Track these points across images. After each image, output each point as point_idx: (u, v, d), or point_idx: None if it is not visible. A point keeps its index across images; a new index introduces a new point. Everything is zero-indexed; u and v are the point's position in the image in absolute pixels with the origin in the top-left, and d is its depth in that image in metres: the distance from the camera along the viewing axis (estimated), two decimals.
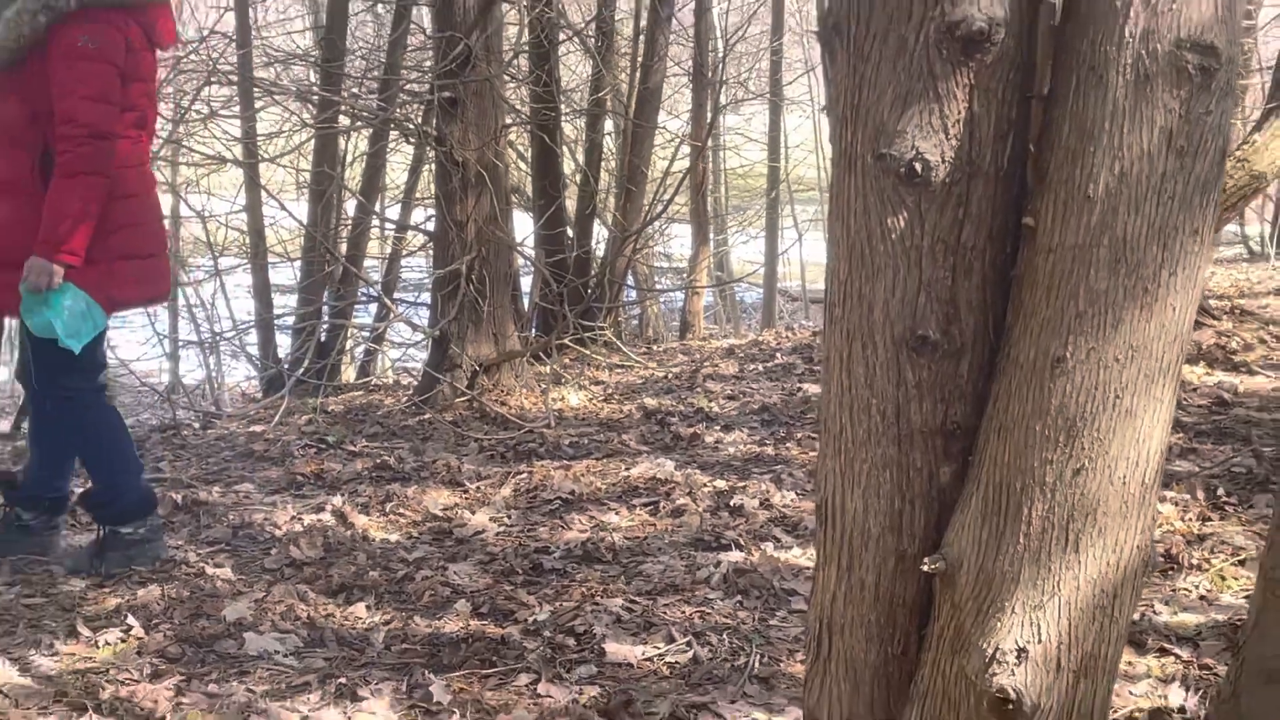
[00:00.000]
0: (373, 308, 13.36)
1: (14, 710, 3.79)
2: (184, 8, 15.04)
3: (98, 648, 4.25)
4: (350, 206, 12.03)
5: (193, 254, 15.33)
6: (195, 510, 5.78)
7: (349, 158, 12.58)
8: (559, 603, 4.58)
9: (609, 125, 14.09)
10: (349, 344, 11.95)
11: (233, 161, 11.15)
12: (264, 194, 10.81)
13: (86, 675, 4.02)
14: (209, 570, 4.96)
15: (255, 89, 10.59)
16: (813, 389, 8.20)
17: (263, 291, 11.14)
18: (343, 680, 3.96)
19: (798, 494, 5.82)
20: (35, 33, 4.55)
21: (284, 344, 11.55)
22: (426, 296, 11.15)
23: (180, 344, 15.17)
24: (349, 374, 12.24)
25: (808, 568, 4.78)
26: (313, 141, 11.00)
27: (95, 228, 4.64)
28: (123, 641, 4.29)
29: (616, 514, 5.68)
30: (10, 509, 5.15)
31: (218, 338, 12.75)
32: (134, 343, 14.23)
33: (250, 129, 10.47)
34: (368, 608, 4.62)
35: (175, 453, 7.02)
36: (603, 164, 13.01)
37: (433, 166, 8.70)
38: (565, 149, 12.67)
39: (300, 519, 5.67)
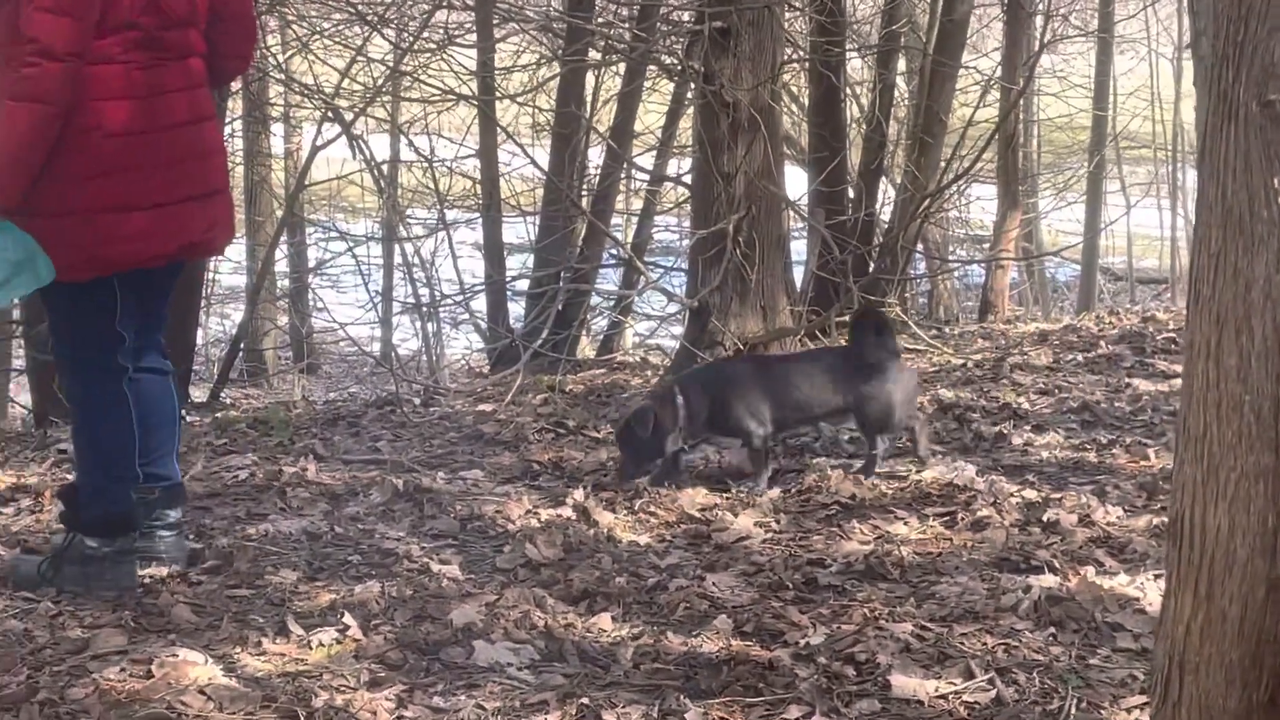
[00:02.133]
0: (618, 274, 13.54)
1: (218, 715, 3.95)
2: None
3: (310, 648, 4.40)
4: (598, 154, 12.18)
5: (413, 204, 15.67)
6: (418, 498, 5.93)
7: (598, 97, 12.73)
8: (836, 625, 4.57)
9: (902, 64, 14.00)
10: (589, 314, 12.10)
11: (465, 98, 11.39)
12: (500, 136, 11.00)
13: (298, 679, 4.17)
14: (434, 567, 5.09)
15: (494, 15, 10.79)
16: (1145, 385, 8.03)
17: (494, 250, 11.36)
18: (585, 701, 4.02)
19: (1126, 510, 5.71)
20: None
21: (515, 312, 11.75)
22: (682, 262, 11.26)
23: (397, 309, 15.56)
24: (587, 349, 12.41)
25: (1137, 599, 4.68)
26: (557, 78, 11.18)
27: (59, 171, 4.61)
28: (338, 643, 4.43)
29: (905, 524, 5.65)
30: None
31: (440, 303, 13.02)
32: (344, 305, 14.65)
33: (487, 61, 10.66)
34: (613, 619, 4.68)
35: (394, 431, 7.22)
36: (893, 110, 12.93)
37: (696, 109, 8.74)
38: (849, 92, 12.63)
39: (537, 513, 5.78)
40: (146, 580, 5.00)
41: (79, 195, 4.68)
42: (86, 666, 4.24)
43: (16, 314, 10.15)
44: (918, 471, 6.28)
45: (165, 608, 4.73)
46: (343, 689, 4.10)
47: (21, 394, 13.01)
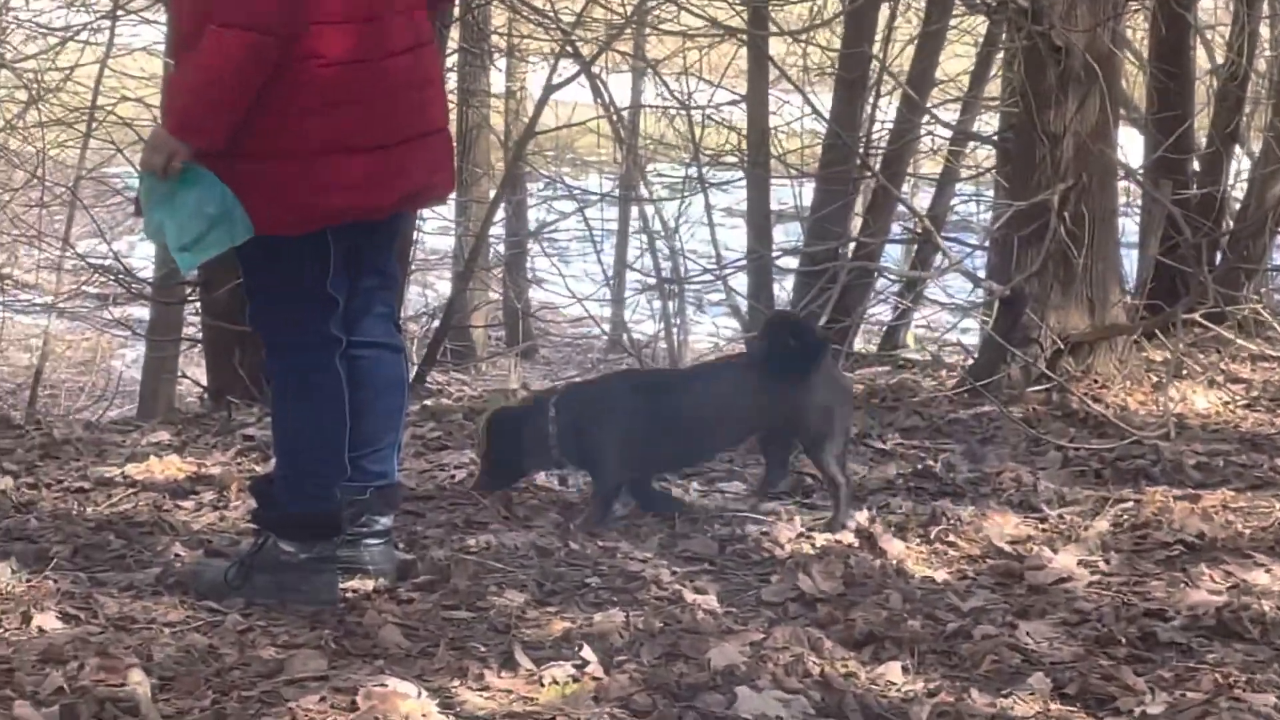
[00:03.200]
0: (899, 252, 13.44)
1: None
2: None
3: (541, 685, 4.41)
4: (890, 105, 12.10)
5: (658, 158, 15.66)
6: (668, 514, 5.98)
7: (893, 37, 12.61)
8: (1180, 692, 4.50)
9: (1266, 6, 13.67)
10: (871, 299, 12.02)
11: (732, 32, 11.38)
12: (772, 77, 10.98)
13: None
14: (688, 596, 5.10)
15: None
16: None
17: (758, 217, 11.35)
18: None
19: None
20: None
21: (780, 293, 11.73)
22: (983, 240, 11.14)
23: (634, 284, 15.58)
24: (867, 343, 12.35)
25: None
26: (843, 14, 11.13)
27: (269, 107, 4.67)
28: (574, 681, 4.43)
29: (1267, 572, 5.55)
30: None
31: (689, 279, 13.02)
32: (570, 278, 14.65)
33: None
34: (904, 670, 4.64)
35: None
36: (1253, 61, 12.61)
37: (1020, 53, 8.64)
38: (1199, 37, 12.38)
39: (811, 538, 5.78)
40: (349, 595, 5.11)
41: (292, 135, 4.75)
42: (281, 693, 4.32)
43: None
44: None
45: (372, 628, 4.79)
46: None
47: (191, 368, 13.39)
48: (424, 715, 4.19)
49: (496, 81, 18.43)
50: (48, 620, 4.84)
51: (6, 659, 4.53)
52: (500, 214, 17.27)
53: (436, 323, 11.96)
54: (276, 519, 5.09)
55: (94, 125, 15.07)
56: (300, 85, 4.73)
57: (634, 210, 15.01)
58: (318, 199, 4.79)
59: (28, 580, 5.27)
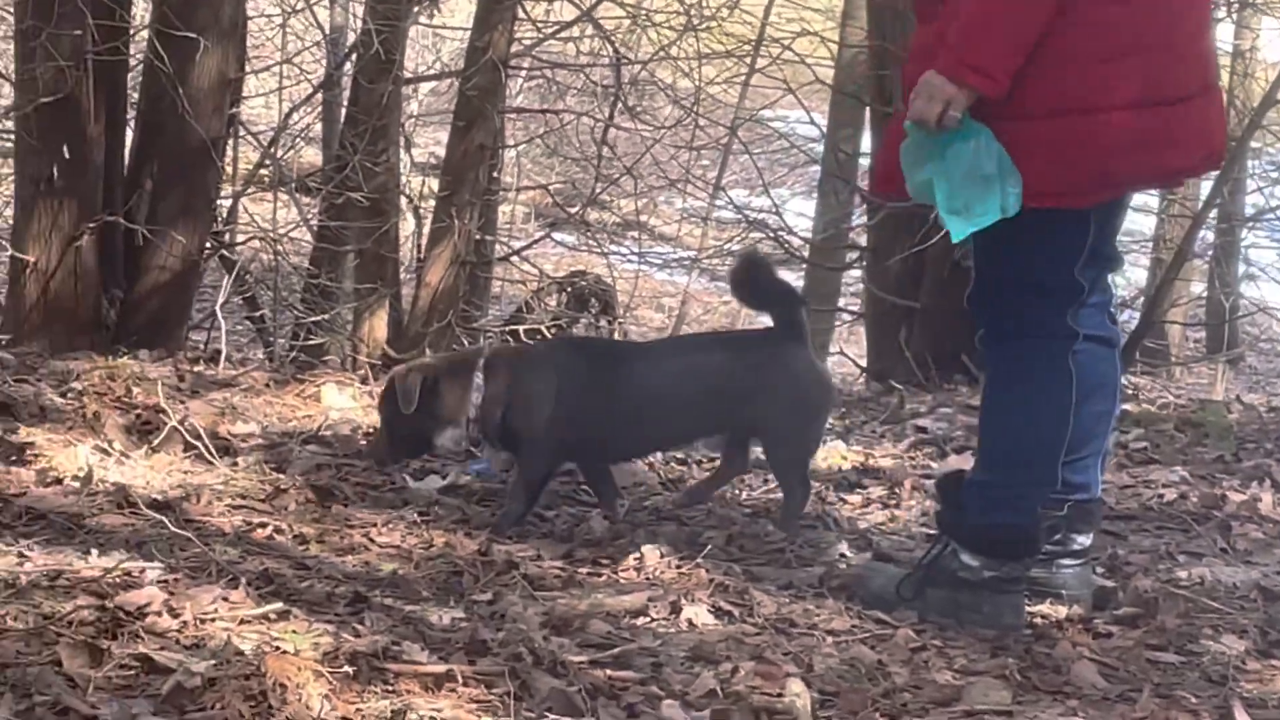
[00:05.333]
0: None
1: None
2: None
3: None
4: None
5: None
6: None
7: None
8: None
9: None
10: None
11: None
12: None
13: None
14: None
15: None
16: None
17: None
18: None
19: None
20: None
21: None
22: None
23: None
24: None
25: None
26: None
27: (1054, 50, 4.44)
28: None
29: None
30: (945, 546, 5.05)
31: None
32: None
33: None
34: None
35: None
36: None
37: None
38: None
39: None
40: (1037, 621, 4.95)
41: (1079, 87, 4.52)
42: None
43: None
44: None
45: (1063, 662, 4.63)
46: None
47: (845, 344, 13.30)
48: None
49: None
50: (699, 614, 4.84)
51: (653, 651, 4.54)
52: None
53: (1133, 316, 11.36)
54: (964, 528, 4.90)
55: (761, 62, 14.84)
56: (1087, 25, 4.50)
57: None
58: (1109, 162, 4.55)
59: (677, 566, 5.32)
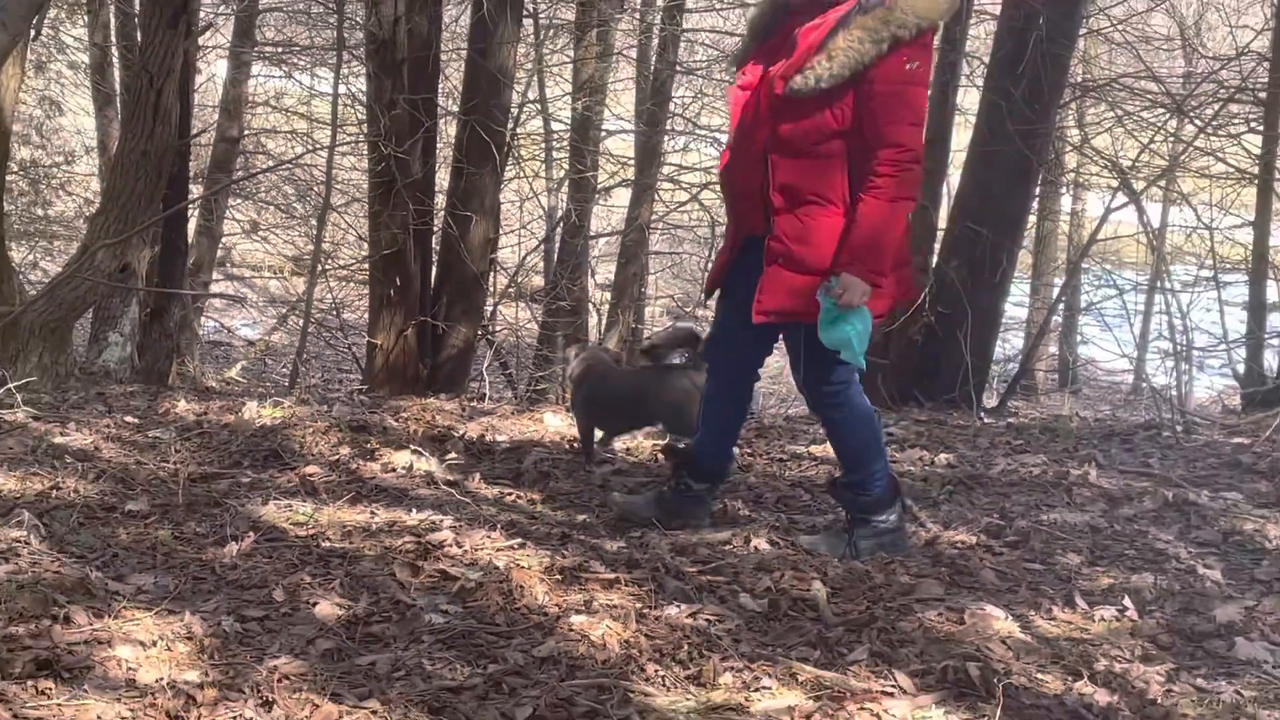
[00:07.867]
0: None
1: (1015, 662, 3.94)
2: None
3: (1092, 621, 4.31)
4: None
5: (1178, 261, 15.03)
6: (1185, 510, 5.66)
7: None
8: None
9: None
10: None
11: (1244, 175, 10.79)
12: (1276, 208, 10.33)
13: (1082, 645, 4.10)
14: (1199, 569, 4.86)
15: None
16: None
17: (1257, 310, 10.67)
18: None
19: None
20: (878, 58, 4.33)
21: (1272, 362, 10.99)
22: None
23: (1157, 350, 14.95)
24: None
25: None
26: None
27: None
28: (1117, 620, 4.32)
29: None
30: (680, 478, 5.14)
31: (1194, 347, 12.39)
32: (1106, 342, 14.13)
33: (1272, 148, 10.00)
34: None
35: (1162, 451, 6.91)
36: None
37: None
38: None
39: None
40: (958, 545, 5.06)
41: (899, 256, 4.68)
42: (912, 606, 4.33)
43: None
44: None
45: (974, 569, 4.76)
46: (1119, 659, 4.00)
47: None
48: (1009, 632, 4.17)
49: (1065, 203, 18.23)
50: (761, 543, 4.94)
51: (734, 565, 4.66)
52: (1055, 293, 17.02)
53: (1014, 366, 11.72)
54: (862, 503, 4.93)
55: None
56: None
57: (1157, 298, 14.38)
58: (875, 304, 4.62)
59: (748, 514, 5.42)
